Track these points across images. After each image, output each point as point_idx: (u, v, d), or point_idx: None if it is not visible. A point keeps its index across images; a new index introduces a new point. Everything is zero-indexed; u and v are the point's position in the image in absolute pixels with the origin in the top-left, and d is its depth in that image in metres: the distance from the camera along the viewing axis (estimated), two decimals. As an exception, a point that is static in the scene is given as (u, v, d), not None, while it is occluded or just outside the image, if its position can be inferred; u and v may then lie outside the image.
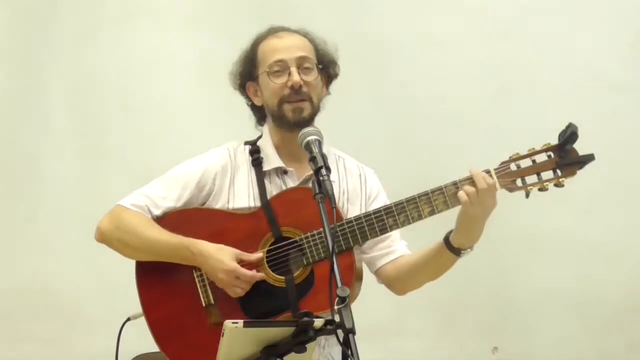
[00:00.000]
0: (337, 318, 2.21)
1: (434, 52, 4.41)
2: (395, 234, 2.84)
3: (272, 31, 2.89)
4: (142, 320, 2.86)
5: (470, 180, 2.62)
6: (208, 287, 2.77)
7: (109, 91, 4.45)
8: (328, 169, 2.41)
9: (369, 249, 2.85)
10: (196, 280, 2.78)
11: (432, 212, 2.65)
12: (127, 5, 4.49)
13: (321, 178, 2.38)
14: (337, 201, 2.73)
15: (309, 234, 2.69)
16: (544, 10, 4.39)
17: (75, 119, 4.46)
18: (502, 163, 2.64)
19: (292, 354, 2.27)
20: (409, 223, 2.67)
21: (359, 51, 4.34)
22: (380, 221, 2.67)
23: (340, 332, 2.22)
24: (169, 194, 2.83)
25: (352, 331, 2.20)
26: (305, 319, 2.23)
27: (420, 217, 2.65)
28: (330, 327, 2.24)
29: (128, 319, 2.88)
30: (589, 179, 4.24)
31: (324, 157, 2.44)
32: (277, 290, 2.70)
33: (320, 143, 2.51)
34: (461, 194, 2.59)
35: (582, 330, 4.35)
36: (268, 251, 2.73)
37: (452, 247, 2.68)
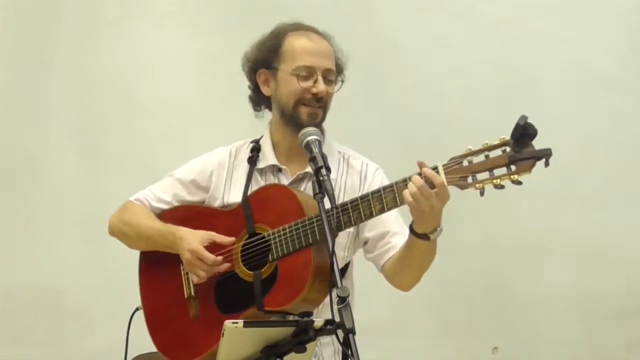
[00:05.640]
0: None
1: (434, 52, 4.41)
2: (393, 227, 2.80)
3: (302, 28, 2.88)
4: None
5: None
6: (190, 279, 2.82)
7: (109, 91, 4.45)
8: (328, 169, 2.43)
9: (372, 248, 2.83)
10: (182, 272, 2.84)
11: (382, 210, 2.58)
12: (127, 6, 4.49)
13: (321, 178, 2.40)
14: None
15: (275, 230, 2.71)
16: (544, 10, 4.39)
17: (75, 119, 4.45)
18: (452, 159, 2.51)
19: (292, 354, 2.27)
20: (362, 221, 2.63)
21: (359, 51, 4.33)
22: (336, 219, 2.59)
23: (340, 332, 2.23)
24: (167, 190, 2.95)
25: (352, 331, 2.20)
26: (306, 318, 2.24)
27: (371, 215, 2.61)
28: (330, 327, 2.25)
29: (137, 309, 2.93)
30: (590, 179, 4.30)
31: (324, 157, 2.46)
32: (247, 285, 2.73)
33: (320, 143, 2.54)
34: (405, 193, 2.50)
35: (582, 330, 4.36)
36: (243, 246, 2.76)
37: (419, 235, 2.60)
